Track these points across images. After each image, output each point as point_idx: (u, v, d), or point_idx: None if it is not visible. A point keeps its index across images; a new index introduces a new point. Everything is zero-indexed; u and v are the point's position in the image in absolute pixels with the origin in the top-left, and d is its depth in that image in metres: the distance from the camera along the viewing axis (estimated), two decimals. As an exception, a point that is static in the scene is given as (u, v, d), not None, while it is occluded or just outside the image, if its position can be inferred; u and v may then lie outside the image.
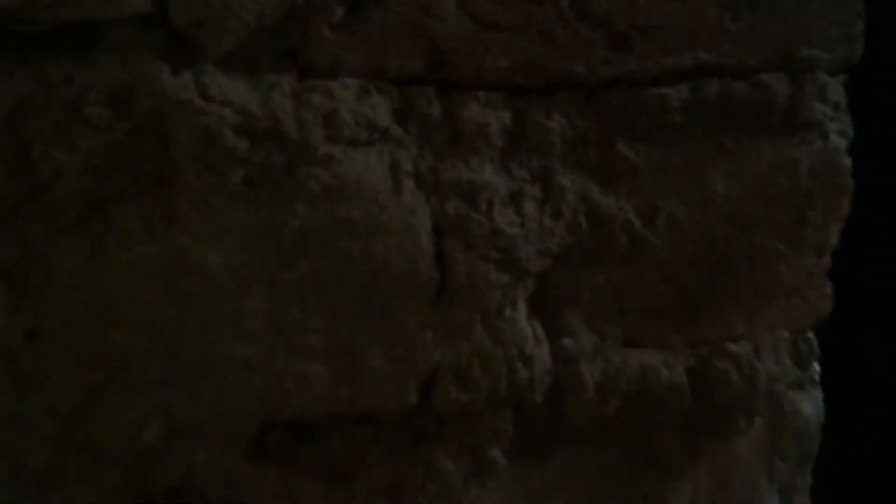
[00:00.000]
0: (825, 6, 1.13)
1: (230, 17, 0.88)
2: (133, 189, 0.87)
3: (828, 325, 1.22)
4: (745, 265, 1.13)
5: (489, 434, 1.04)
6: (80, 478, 0.89)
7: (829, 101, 1.15)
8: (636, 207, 1.07)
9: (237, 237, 0.90)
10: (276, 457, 0.97)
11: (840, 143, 1.17)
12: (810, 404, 1.22)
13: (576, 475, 1.11)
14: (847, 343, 1.52)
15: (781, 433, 1.20)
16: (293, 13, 0.92)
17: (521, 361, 1.03)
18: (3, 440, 0.87)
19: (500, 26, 0.99)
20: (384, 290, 0.96)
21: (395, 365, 0.97)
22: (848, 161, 1.18)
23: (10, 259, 0.86)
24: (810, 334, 1.22)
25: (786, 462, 1.21)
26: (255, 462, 0.96)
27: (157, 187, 0.88)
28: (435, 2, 0.97)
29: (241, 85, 0.90)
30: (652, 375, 1.10)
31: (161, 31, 0.87)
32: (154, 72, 0.86)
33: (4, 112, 0.83)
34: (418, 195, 0.98)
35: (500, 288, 1.01)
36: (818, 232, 1.17)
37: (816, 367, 1.23)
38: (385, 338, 0.96)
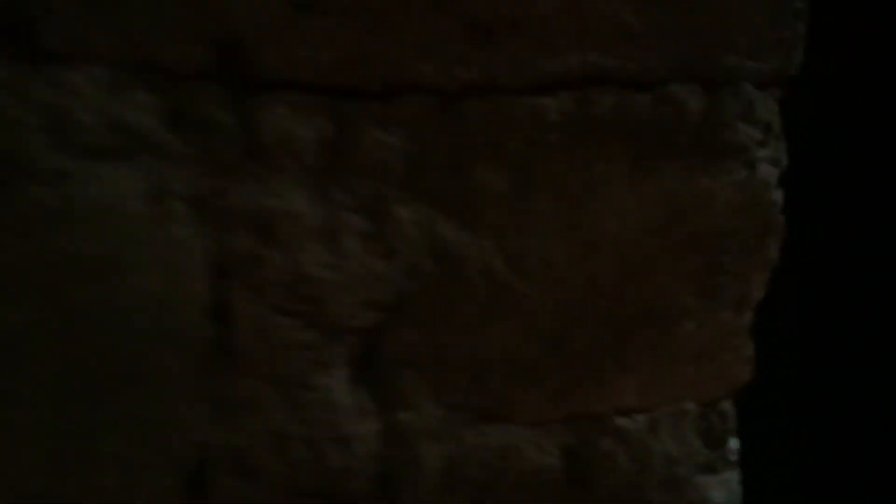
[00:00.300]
0: (754, 3, 0.94)
1: None
2: None
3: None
4: (641, 321, 0.94)
5: (288, 537, 0.82)
6: None
7: (758, 120, 0.96)
8: (499, 247, 0.87)
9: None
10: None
11: (769, 172, 0.98)
12: (723, 491, 1.02)
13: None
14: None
15: (685, 528, 1.00)
16: (21, -23, 0.69)
17: (333, 442, 0.81)
18: None
19: (322, 9, 0.79)
20: (134, 351, 0.73)
21: (147, 452, 0.74)
22: (778, 195, 0.99)
23: None
24: (726, 405, 1.02)
25: (689, 564, 1.00)
26: None
27: None
28: (230, -28, 0.75)
29: (-66, 71, 0.67)
30: (516, 458, 0.90)
31: None
32: None
33: None
34: (193, 225, 0.75)
35: (304, 348, 0.79)
36: (737, 282, 0.98)
37: (733, 444, 1.03)
38: (133, 415, 0.74)
